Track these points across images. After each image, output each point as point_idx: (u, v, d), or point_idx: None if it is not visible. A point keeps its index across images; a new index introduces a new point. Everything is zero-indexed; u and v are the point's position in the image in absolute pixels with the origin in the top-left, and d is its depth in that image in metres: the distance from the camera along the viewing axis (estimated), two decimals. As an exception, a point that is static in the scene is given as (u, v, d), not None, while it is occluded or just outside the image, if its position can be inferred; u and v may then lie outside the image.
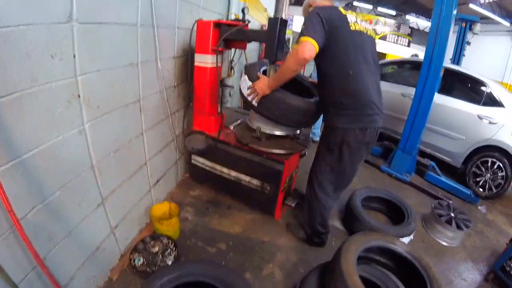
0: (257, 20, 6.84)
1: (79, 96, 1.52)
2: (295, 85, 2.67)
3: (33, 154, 1.30)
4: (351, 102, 2.04)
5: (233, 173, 2.86)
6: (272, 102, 2.35)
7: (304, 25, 1.94)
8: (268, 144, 2.60)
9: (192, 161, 3.10)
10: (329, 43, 1.95)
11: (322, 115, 2.40)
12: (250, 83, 2.39)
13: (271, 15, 6.87)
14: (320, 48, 1.91)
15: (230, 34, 2.50)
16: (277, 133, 2.68)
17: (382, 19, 14.75)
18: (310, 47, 1.85)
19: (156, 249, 2.17)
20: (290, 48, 2.62)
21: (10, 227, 1.23)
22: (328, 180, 2.31)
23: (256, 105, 2.41)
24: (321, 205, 2.38)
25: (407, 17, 16.16)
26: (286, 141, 2.68)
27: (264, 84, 2.28)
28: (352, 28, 2.02)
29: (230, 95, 4.22)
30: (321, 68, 2.12)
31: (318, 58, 2.01)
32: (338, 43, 1.98)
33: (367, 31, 2.15)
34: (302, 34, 1.90)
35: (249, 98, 2.42)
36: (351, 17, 2.05)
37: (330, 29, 1.93)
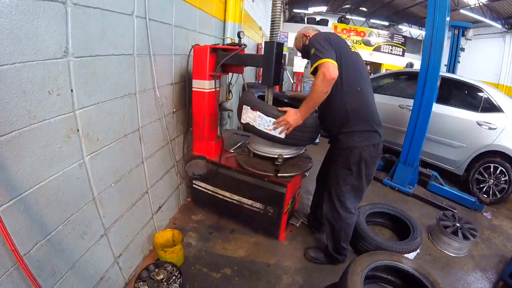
0: (253, 39, 6.95)
1: (78, 130, 1.54)
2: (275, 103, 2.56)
3: (33, 191, 1.31)
4: (362, 118, 2.15)
5: (235, 197, 2.85)
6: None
7: (315, 49, 2.02)
8: (270, 167, 2.58)
9: (194, 185, 3.09)
10: (339, 64, 2.00)
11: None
12: (267, 119, 2.28)
13: (266, 33, 7.00)
14: None
15: (227, 60, 2.54)
16: (287, 155, 2.61)
17: (375, 30, 15.00)
18: (333, 66, 1.93)
19: (161, 276, 2.14)
20: (286, 71, 2.61)
21: (14, 264, 1.23)
22: (349, 199, 2.34)
23: (283, 137, 2.30)
24: (345, 224, 2.40)
25: (400, 26, 16.39)
26: (289, 163, 2.67)
27: (297, 116, 2.19)
28: (352, 49, 2.22)
29: (229, 116, 4.26)
30: (332, 89, 2.07)
31: None
32: (346, 62, 2.10)
33: (357, 52, 2.30)
34: (317, 57, 1.98)
35: (274, 133, 2.29)
36: (348, 41, 2.21)
37: (337, 50, 2.05)
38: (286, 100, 2.78)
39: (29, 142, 1.27)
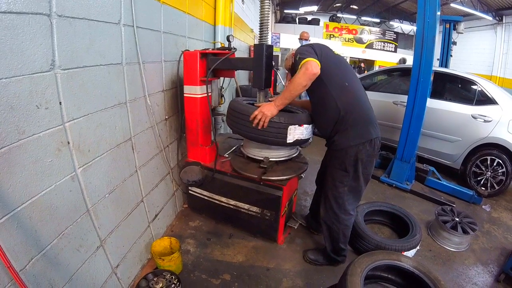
0: (244, 42, 6.95)
1: (68, 142, 1.53)
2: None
3: (26, 206, 1.30)
4: (354, 113, 2.15)
5: (232, 202, 2.83)
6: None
7: (299, 55, 2.13)
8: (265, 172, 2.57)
9: (190, 191, 3.08)
10: (323, 64, 2.09)
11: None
12: (298, 129, 2.35)
13: (257, 35, 7.00)
14: None
15: (218, 65, 2.53)
16: (281, 158, 2.65)
17: (367, 28, 15.06)
18: (315, 64, 2.02)
19: (160, 285, 2.12)
20: (278, 72, 2.63)
21: (10, 280, 1.21)
22: (347, 200, 2.33)
23: (260, 128, 2.31)
24: (343, 226, 2.40)
25: (391, 23, 16.46)
26: (283, 165, 2.67)
27: (272, 107, 2.25)
28: (335, 52, 2.31)
29: (223, 120, 4.24)
30: (318, 88, 2.17)
31: (315, 84, 2.12)
32: (330, 62, 2.18)
33: (343, 57, 2.41)
34: (301, 59, 2.07)
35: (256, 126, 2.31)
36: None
37: (321, 53, 2.15)
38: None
39: (19, 158, 1.25)
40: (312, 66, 2.00)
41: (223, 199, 2.87)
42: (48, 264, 1.44)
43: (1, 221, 1.18)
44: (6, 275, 1.19)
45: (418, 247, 2.76)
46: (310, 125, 2.41)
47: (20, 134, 1.25)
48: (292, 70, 2.40)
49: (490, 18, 11.64)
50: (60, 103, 1.46)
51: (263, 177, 2.51)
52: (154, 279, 2.16)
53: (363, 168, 2.21)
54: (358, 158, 2.16)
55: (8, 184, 1.21)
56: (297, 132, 2.35)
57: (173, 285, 2.14)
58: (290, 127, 2.31)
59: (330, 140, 2.28)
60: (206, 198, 2.98)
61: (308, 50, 2.14)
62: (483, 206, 3.88)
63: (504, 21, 11.66)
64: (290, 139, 2.35)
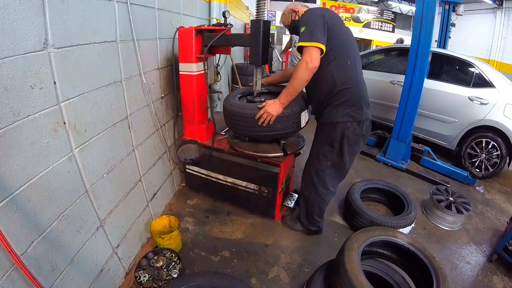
0: (240, 20, 6.81)
1: (64, 123, 1.50)
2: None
3: (24, 189, 1.28)
4: (349, 92, 2.10)
5: (229, 179, 2.84)
6: (283, 120, 2.30)
7: (305, 28, 1.99)
8: (262, 148, 2.58)
9: (187, 170, 3.08)
10: (331, 38, 2.01)
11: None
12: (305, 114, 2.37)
13: (254, 12, 6.85)
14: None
15: (214, 42, 2.48)
16: None
17: (364, 7, 14.74)
18: (316, 54, 1.94)
19: (160, 263, 2.16)
20: (275, 50, 2.58)
21: (12, 265, 1.21)
22: (329, 175, 2.35)
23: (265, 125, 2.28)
24: (320, 198, 2.45)
25: (389, 2, 16.13)
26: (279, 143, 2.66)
27: (277, 105, 2.19)
28: (346, 25, 2.19)
29: (219, 98, 4.20)
30: (322, 61, 2.05)
31: None
32: (338, 37, 2.07)
33: (349, 29, 2.25)
34: (305, 38, 1.96)
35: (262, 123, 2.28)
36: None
37: (331, 26, 2.02)
38: (264, 90, 2.74)
39: (15, 140, 1.23)
40: (313, 58, 1.92)
41: (221, 176, 2.88)
42: (49, 246, 1.45)
43: (0, 205, 1.16)
44: (8, 260, 1.19)
45: (413, 225, 2.81)
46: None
47: (15, 116, 1.22)
48: (293, 29, 2.41)
49: (490, 2, 11.44)
50: (54, 82, 1.42)
51: (259, 154, 2.53)
52: (155, 257, 2.19)
53: (349, 146, 2.21)
54: (344, 135, 2.16)
55: (5, 167, 1.19)
56: (306, 115, 2.43)
57: (173, 263, 2.18)
58: (301, 113, 2.35)
59: (320, 112, 2.26)
60: (203, 176, 2.99)
61: (317, 24, 1.98)
62: (477, 188, 3.94)
63: (504, 5, 11.47)
64: (303, 124, 2.42)
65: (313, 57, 1.92)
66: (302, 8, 2.33)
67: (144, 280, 2.05)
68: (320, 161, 2.31)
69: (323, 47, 1.94)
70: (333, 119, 2.16)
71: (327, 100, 2.17)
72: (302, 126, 2.44)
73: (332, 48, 2.04)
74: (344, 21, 2.21)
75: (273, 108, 2.18)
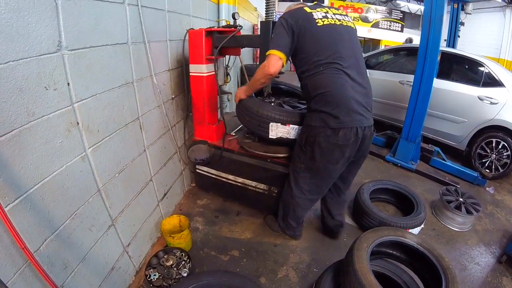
0: (248, 21, 6.83)
1: (77, 123, 1.53)
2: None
3: (38, 188, 1.31)
4: (328, 95, 1.94)
5: (239, 179, 2.86)
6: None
7: (273, 33, 2.05)
8: (272, 148, 2.60)
9: (197, 170, 3.10)
10: (300, 44, 1.99)
11: None
12: (281, 127, 2.35)
13: (262, 13, 6.87)
14: (290, 54, 2.04)
15: (225, 43, 2.50)
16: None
17: (373, 6, 14.64)
18: (276, 62, 1.96)
19: (170, 262, 2.18)
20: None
21: (25, 262, 1.24)
22: (303, 178, 2.26)
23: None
24: (294, 202, 2.37)
25: (398, 1, 16.01)
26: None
27: (241, 91, 2.45)
28: (320, 23, 1.98)
29: (228, 99, 4.22)
30: (298, 67, 2.12)
31: (294, 59, 2.09)
32: (308, 42, 1.98)
33: (341, 23, 2.08)
34: (270, 44, 2.02)
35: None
36: (318, 14, 2.03)
37: (298, 31, 1.97)
38: (283, 87, 2.78)
39: (30, 140, 1.26)
40: (270, 66, 1.96)
41: (231, 177, 2.89)
42: (62, 244, 1.47)
43: (14, 203, 1.19)
44: (21, 257, 1.21)
45: (422, 226, 2.79)
46: (300, 127, 2.29)
47: (29, 116, 1.24)
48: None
49: (499, 0, 11.28)
50: (68, 84, 1.44)
51: (269, 154, 2.54)
52: (165, 256, 2.21)
53: (321, 154, 2.04)
54: (316, 141, 2.01)
55: (20, 166, 1.22)
56: (280, 130, 2.35)
57: (183, 262, 2.20)
58: (272, 123, 2.34)
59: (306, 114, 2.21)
60: (213, 176, 3.01)
61: (281, 33, 1.97)
62: (487, 188, 3.89)
63: (514, 3, 11.31)
64: (272, 134, 2.38)
65: (271, 63, 1.96)
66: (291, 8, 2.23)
67: (154, 278, 2.07)
68: (295, 162, 2.27)
69: (281, 55, 1.94)
70: (308, 121, 2.08)
71: (308, 104, 2.10)
72: (270, 137, 2.40)
73: (303, 55, 2.01)
74: (332, 16, 2.06)
75: (239, 92, 2.49)
